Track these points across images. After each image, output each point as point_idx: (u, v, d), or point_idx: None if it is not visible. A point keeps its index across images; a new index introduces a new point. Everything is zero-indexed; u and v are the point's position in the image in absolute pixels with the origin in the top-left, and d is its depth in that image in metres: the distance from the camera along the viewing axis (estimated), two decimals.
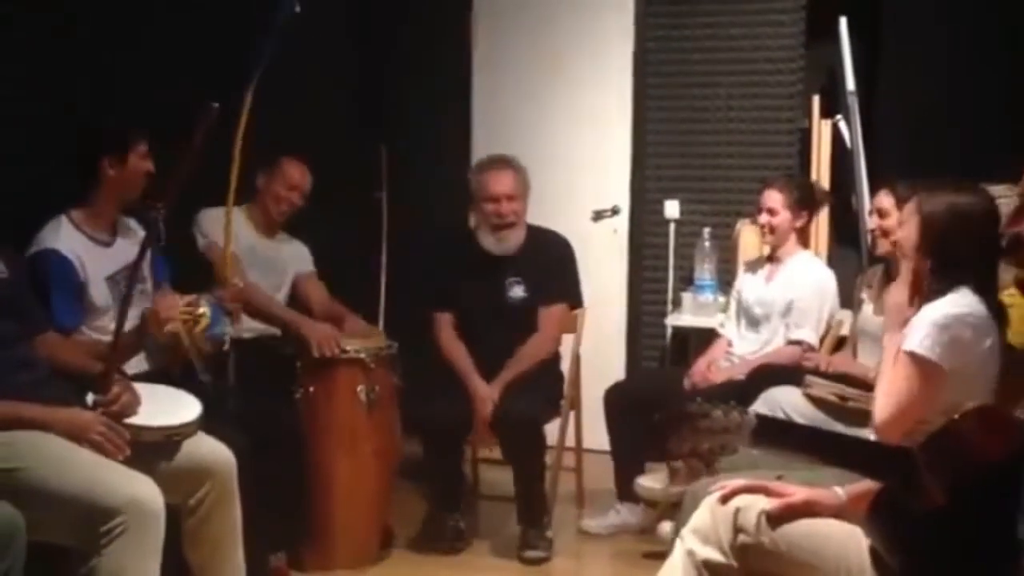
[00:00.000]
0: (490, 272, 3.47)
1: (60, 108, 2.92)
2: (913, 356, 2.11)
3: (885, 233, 3.06)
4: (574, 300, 3.60)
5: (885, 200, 3.08)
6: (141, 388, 2.46)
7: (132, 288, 2.46)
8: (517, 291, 3.48)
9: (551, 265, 3.51)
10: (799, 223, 3.52)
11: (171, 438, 2.42)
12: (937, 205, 2.20)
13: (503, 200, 3.40)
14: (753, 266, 3.66)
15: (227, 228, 3.00)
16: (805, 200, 3.52)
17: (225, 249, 3.02)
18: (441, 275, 3.57)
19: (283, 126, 3.81)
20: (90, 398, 2.35)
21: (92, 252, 2.71)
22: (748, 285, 3.60)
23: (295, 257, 3.54)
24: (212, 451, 2.48)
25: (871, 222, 3.18)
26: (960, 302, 2.12)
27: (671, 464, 3.12)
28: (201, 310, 2.67)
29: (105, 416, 2.30)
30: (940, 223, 2.18)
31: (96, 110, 3.01)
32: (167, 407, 2.48)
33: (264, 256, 3.41)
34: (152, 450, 2.38)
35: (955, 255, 2.17)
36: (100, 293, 2.69)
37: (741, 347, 3.55)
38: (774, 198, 3.49)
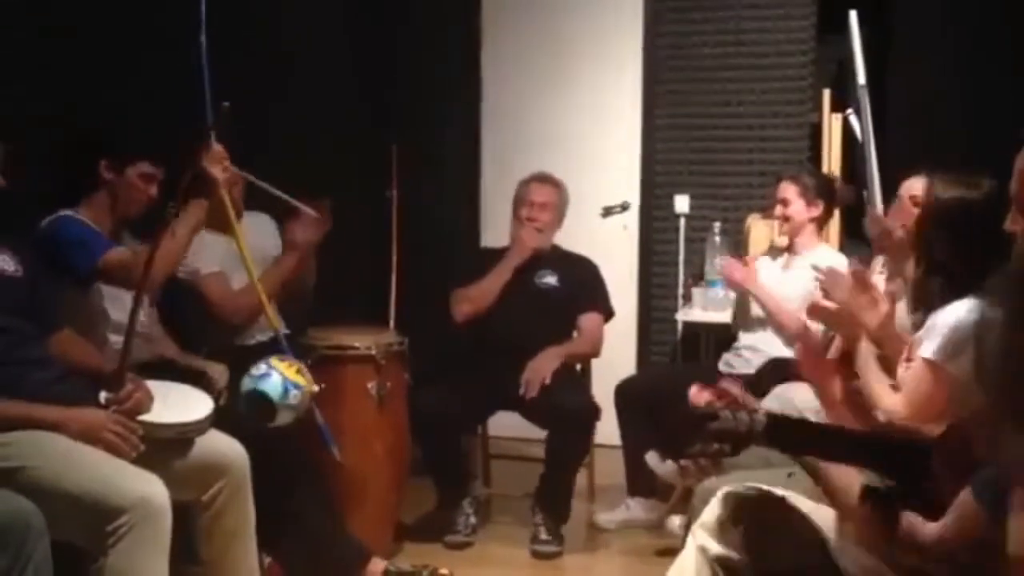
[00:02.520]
0: (519, 266, 3.57)
1: (62, 109, 2.92)
2: (929, 363, 2.10)
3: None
4: (607, 311, 3.68)
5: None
6: (153, 385, 2.47)
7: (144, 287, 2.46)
8: (550, 280, 3.62)
9: (586, 275, 3.66)
10: (814, 213, 3.51)
11: (184, 435, 2.43)
12: (946, 201, 2.19)
13: (536, 206, 3.57)
14: (773, 252, 3.66)
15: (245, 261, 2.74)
16: (820, 190, 3.51)
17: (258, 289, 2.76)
18: (470, 264, 3.71)
19: (294, 126, 3.82)
20: (103, 396, 2.36)
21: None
22: (765, 271, 3.58)
23: (267, 238, 3.44)
24: (225, 447, 2.48)
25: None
26: (973, 307, 2.11)
27: (680, 463, 3.11)
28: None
29: (118, 414, 2.31)
30: (947, 220, 2.17)
31: (102, 114, 3.01)
32: (179, 404, 2.49)
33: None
34: (165, 447, 2.38)
35: (966, 254, 2.15)
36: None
37: (750, 339, 3.55)
38: (787, 189, 3.51)
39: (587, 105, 4.51)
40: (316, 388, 2.61)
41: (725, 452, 1.69)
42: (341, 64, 4.33)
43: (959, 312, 2.11)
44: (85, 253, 2.64)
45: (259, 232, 3.44)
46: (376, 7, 4.51)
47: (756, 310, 3.57)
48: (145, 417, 2.36)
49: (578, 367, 3.71)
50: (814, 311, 2.47)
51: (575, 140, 4.50)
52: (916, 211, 3.05)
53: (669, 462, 3.24)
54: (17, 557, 1.96)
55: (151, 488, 2.17)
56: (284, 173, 3.64)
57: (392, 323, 3.56)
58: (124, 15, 3.10)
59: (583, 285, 3.63)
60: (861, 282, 2.32)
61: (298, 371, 2.57)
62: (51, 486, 2.12)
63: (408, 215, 3.69)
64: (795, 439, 1.86)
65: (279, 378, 2.51)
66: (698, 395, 2.37)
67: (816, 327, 3.42)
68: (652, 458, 3.32)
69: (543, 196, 3.61)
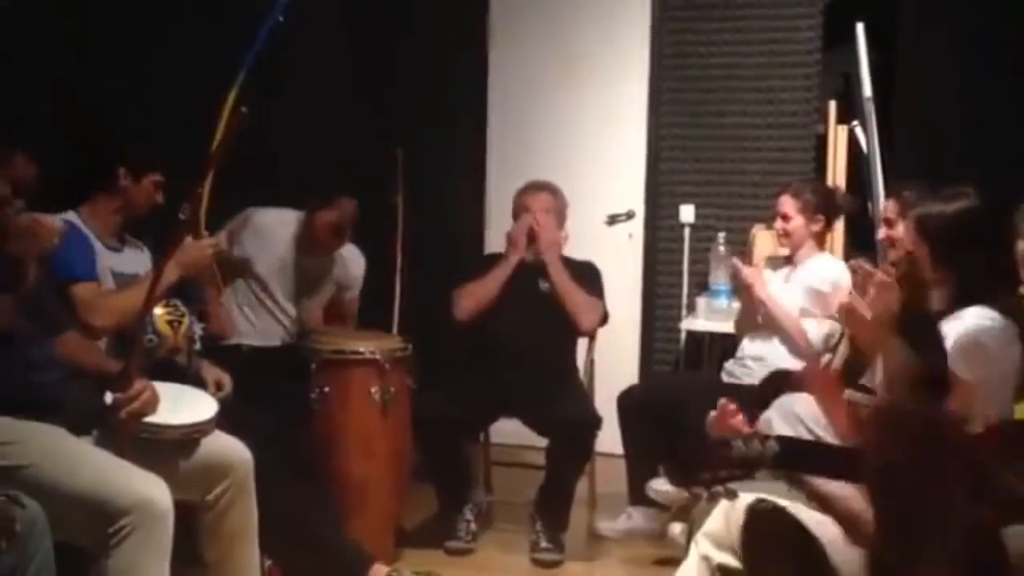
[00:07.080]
0: (521, 272, 3.58)
1: (76, 108, 2.93)
2: None
3: (892, 243, 3.06)
4: (603, 311, 3.65)
5: (891, 210, 3.08)
6: (159, 387, 2.47)
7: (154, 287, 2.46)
8: (549, 285, 3.57)
9: (584, 276, 3.64)
10: (815, 227, 3.51)
11: (190, 436, 2.44)
12: (936, 219, 2.21)
13: (541, 213, 3.60)
14: (775, 263, 3.66)
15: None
16: (821, 204, 3.51)
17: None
18: (474, 270, 3.69)
19: (300, 131, 3.83)
20: (108, 397, 2.36)
21: (101, 249, 2.76)
22: (768, 281, 3.58)
23: (341, 277, 3.60)
24: (230, 448, 2.49)
25: (881, 231, 3.18)
26: (982, 315, 2.13)
27: (691, 490, 3.10)
28: (183, 311, 2.74)
29: (125, 414, 2.32)
30: (944, 236, 2.19)
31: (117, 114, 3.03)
32: (185, 405, 2.50)
33: (303, 270, 3.47)
34: (171, 448, 2.39)
35: (968, 263, 2.16)
36: (107, 285, 2.73)
37: (753, 349, 3.55)
38: (787, 203, 3.50)
39: (594, 113, 4.52)
40: (180, 345, 2.72)
41: (736, 477, 1.69)
42: (346, 67, 4.34)
43: (968, 319, 2.12)
44: (65, 269, 2.63)
45: (338, 275, 3.60)
46: (383, 11, 4.52)
47: (761, 318, 3.56)
48: (151, 418, 2.37)
49: (582, 374, 3.71)
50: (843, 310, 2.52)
51: (581, 147, 4.51)
52: (887, 231, 3.08)
53: (671, 488, 3.23)
54: (21, 556, 1.96)
55: (154, 490, 2.17)
56: (290, 177, 3.67)
57: (396, 328, 3.57)
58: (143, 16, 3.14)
59: (582, 282, 3.60)
60: (863, 275, 2.36)
61: (169, 323, 2.68)
62: (54, 486, 2.12)
63: (413, 220, 3.70)
64: (806, 462, 1.85)
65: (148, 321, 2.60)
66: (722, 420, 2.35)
67: (818, 337, 3.44)
68: (651, 490, 3.29)
69: (544, 203, 3.63)
